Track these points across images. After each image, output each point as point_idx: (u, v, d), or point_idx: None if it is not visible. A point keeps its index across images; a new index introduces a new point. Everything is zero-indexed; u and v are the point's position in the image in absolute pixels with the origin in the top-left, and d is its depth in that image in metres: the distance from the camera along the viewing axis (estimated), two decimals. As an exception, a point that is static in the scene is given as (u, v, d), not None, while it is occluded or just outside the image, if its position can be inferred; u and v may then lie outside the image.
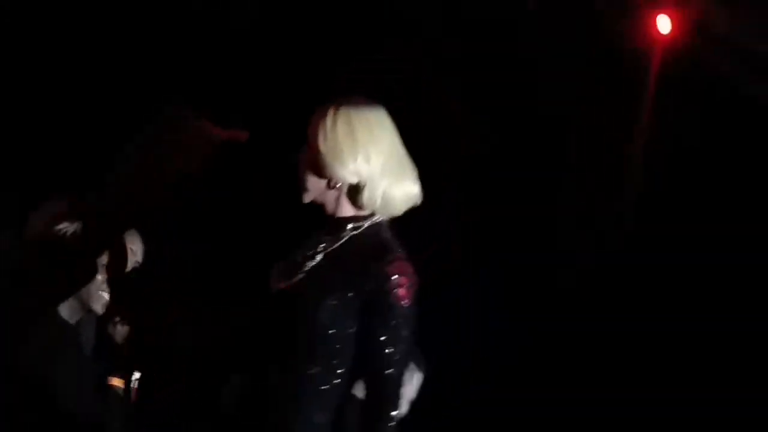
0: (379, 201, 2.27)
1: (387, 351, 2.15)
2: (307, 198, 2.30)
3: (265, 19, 6.42)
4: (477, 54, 5.70)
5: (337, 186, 2.27)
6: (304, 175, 2.30)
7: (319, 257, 2.24)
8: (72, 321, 3.27)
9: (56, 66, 6.42)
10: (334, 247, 2.24)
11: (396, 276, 2.18)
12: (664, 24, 4.97)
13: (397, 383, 2.20)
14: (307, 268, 2.23)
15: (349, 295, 2.18)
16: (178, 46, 6.53)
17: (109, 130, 6.35)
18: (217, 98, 6.74)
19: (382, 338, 2.15)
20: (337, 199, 2.29)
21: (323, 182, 2.28)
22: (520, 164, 5.78)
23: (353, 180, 2.26)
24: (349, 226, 2.27)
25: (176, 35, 6.50)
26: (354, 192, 2.27)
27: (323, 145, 2.25)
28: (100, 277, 3.22)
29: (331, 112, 2.30)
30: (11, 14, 6.25)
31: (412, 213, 2.37)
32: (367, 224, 2.28)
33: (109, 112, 6.47)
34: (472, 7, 5.87)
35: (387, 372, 2.14)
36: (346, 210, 2.29)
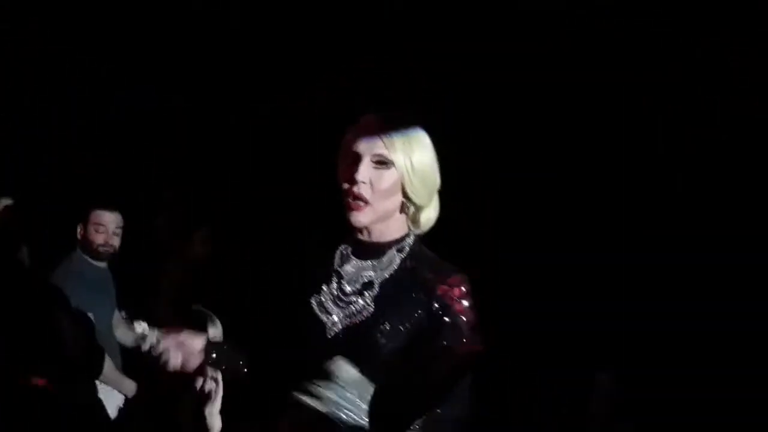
0: (431, 222, 2.17)
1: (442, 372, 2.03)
2: (371, 219, 2.07)
3: (265, 20, 6.42)
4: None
5: (409, 208, 2.12)
6: (383, 198, 2.05)
7: (377, 287, 2.05)
8: None
9: (53, 63, 6.42)
10: (389, 274, 2.07)
11: (459, 292, 2.07)
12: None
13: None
14: (366, 300, 2.04)
15: (419, 315, 2.02)
16: (177, 45, 6.54)
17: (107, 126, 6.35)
18: (214, 97, 6.75)
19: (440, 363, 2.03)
20: (395, 221, 2.12)
21: (397, 202, 2.10)
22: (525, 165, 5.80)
23: (427, 202, 2.13)
24: (395, 248, 2.11)
25: (176, 34, 6.50)
26: (416, 213, 2.14)
27: (417, 171, 2.08)
28: None
29: (420, 135, 2.11)
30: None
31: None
32: (410, 243, 2.13)
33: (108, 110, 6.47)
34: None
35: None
36: (394, 232, 2.12)
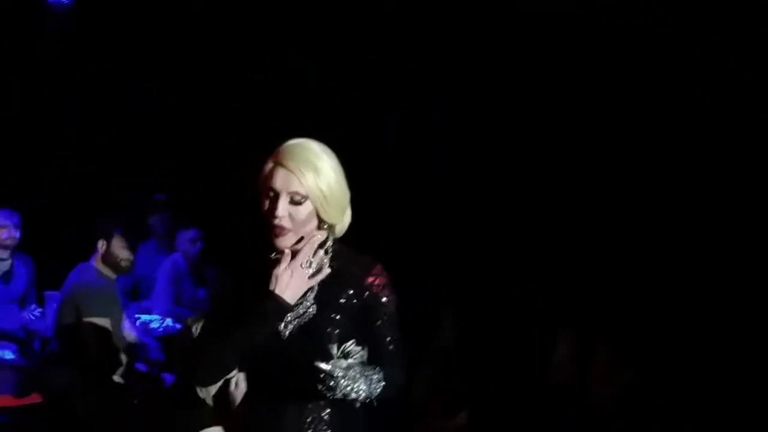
0: (345, 228, 2.51)
1: (389, 343, 2.47)
2: (289, 243, 2.40)
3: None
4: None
5: (326, 225, 2.46)
6: (301, 227, 2.40)
7: (315, 289, 2.45)
8: None
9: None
10: (325, 276, 2.43)
11: (382, 280, 2.48)
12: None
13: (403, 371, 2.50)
14: (309, 301, 2.44)
15: (354, 304, 2.45)
16: (177, 45, 6.55)
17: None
18: (213, 97, 6.77)
19: (386, 336, 2.47)
20: (315, 235, 2.45)
21: (314, 225, 2.43)
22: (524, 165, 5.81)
23: (340, 219, 2.47)
24: (320, 252, 2.45)
25: (176, 34, 6.52)
26: (332, 228, 2.48)
27: (328, 197, 2.40)
28: None
29: (327, 163, 2.41)
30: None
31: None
32: (332, 246, 2.49)
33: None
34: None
35: (391, 361, 2.46)
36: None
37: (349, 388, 2.34)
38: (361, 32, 6.15)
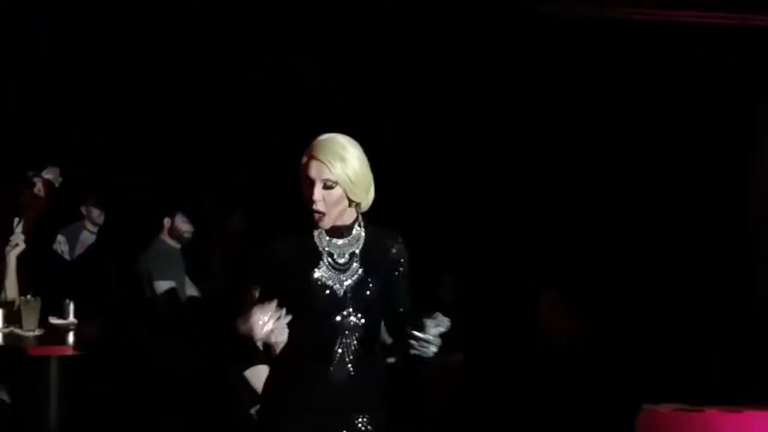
0: (369, 204, 2.98)
1: (407, 295, 2.98)
2: (330, 222, 2.90)
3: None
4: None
5: (354, 203, 2.93)
6: (334, 207, 2.88)
7: (359, 255, 2.94)
8: None
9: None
10: (362, 244, 2.96)
11: (404, 247, 3.00)
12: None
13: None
14: (356, 265, 2.94)
15: (388, 270, 2.97)
16: (177, 45, 6.55)
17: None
18: (213, 98, 6.77)
19: (406, 291, 2.98)
20: (348, 211, 2.93)
21: (346, 204, 2.91)
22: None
23: (366, 197, 2.95)
24: (355, 227, 2.97)
25: (176, 34, 6.51)
26: (359, 205, 2.94)
27: (354, 181, 2.89)
28: None
29: (352, 153, 2.91)
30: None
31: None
32: (362, 221, 2.98)
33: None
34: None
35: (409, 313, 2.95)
36: (350, 217, 2.96)
37: (434, 352, 2.76)
38: (361, 32, 6.15)
